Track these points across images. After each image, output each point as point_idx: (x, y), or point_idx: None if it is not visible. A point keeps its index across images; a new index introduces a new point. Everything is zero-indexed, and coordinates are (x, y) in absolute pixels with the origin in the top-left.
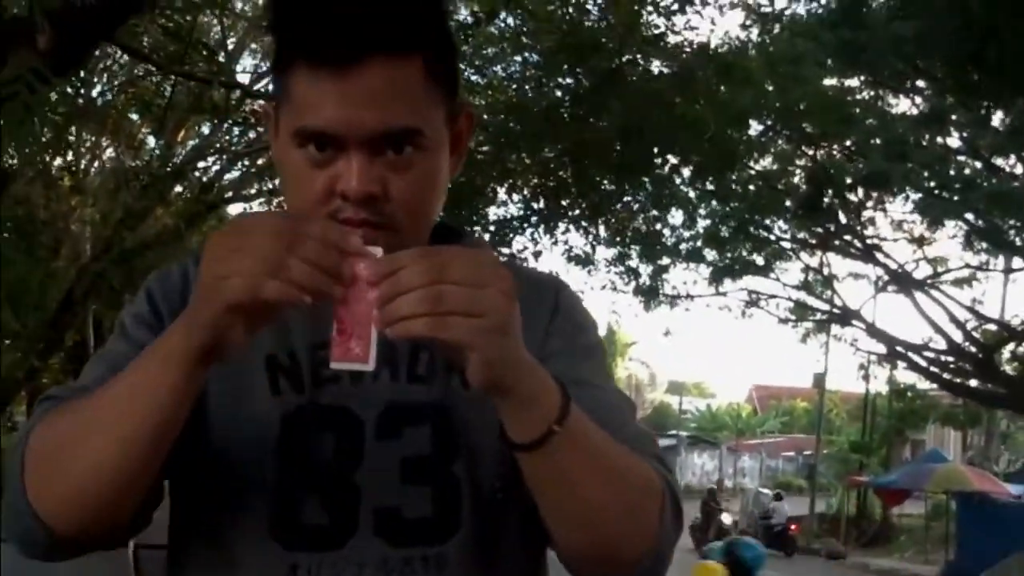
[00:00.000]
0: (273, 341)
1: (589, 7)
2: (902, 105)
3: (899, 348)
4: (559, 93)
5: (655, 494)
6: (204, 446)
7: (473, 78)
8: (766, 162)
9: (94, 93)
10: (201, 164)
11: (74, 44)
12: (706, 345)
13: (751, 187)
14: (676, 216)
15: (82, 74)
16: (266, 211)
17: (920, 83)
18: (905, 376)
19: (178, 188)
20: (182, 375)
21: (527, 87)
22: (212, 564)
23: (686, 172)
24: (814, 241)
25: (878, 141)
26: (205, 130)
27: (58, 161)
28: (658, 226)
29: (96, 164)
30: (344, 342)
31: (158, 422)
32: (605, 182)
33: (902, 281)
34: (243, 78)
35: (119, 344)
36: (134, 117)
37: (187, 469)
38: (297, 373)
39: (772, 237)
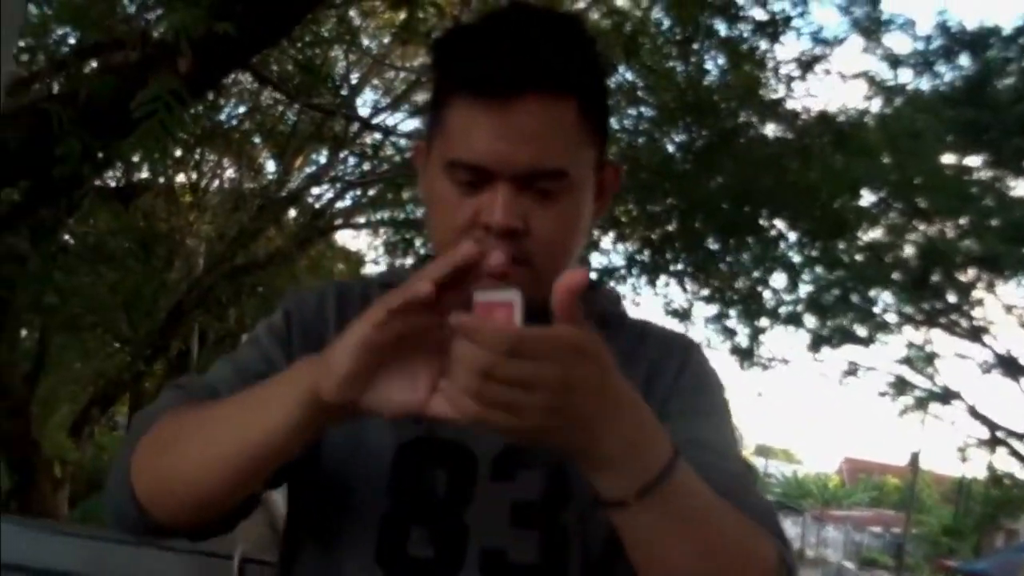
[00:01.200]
0: None
1: (709, 67)
2: (1021, 188)
3: (1000, 434)
4: (672, 149)
5: (763, 564)
6: (321, 468)
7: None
8: (876, 233)
9: (222, 116)
10: (315, 190)
11: (212, 69)
12: (797, 411)
13: (858, 257)
14: (779, 279)
15: (215, 98)
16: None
17: None
18: (1005, 463)
19: (292, 212)
20: (304, 417)
21: (640, 140)
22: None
23: (792, 236)
24: (919, 317)
25: (994, 222)
26: (322, 158)
27: (181, 178)
28: (759, 288)
29: (216, 183)
30: None
31: (268, 453)
32: (711, 240)
33: (1009, 366)
34: (363, 111)
35: (250, 351)
36: (256, 141)
37: (303, 488)
38: None
39: (876, 309)
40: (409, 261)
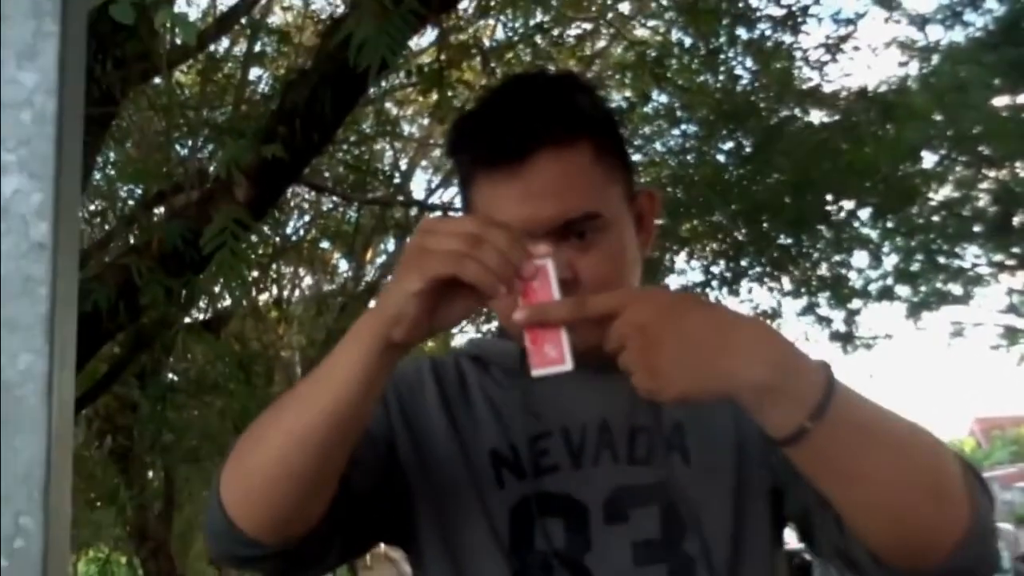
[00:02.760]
0: (495, 436)
1: (739, 72)
2: None
3: None
4: (721, 158)
5: (955, 471)
6: (444, 533)
7: (636, 157)
8: (947, 191)
9: (288, 230)
10: (389, 278)
11: (268, 191)
12: (916, 383)
13: (935, 218)
14: (860, 258)
15: (277, 215)
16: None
17: None
18: None
19: (371, 304)
20: (367, 353)
21: (688, 157)
22: None
23: (864, 214)
24: (1012, 263)
25: None
26: (390, 247)
27: (264, 296)
28: (843, 271)
29: (297, 293)
30: (539, 351)
31: (338, 406)
32: (782, 236)
33: None
34: (418, 194)
35: None
36: (325, 245)
37: (429, 556)
38: (519, 464)
39: (967, 264)
40: (492, 325)
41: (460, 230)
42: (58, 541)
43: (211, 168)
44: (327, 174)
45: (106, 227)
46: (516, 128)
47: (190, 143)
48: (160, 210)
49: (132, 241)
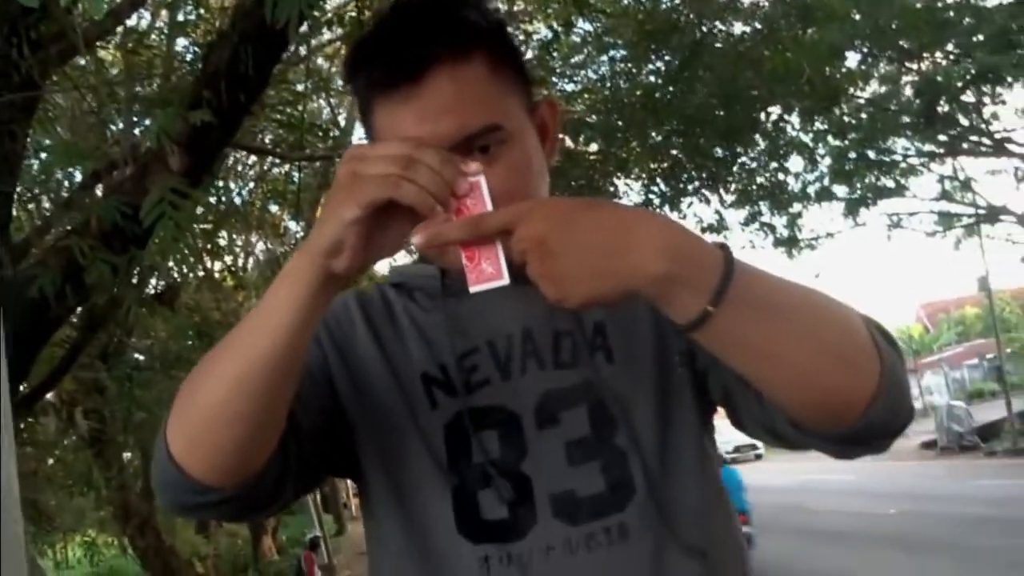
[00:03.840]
0: (425, 359)
1: None
2: None
3: None
4: (652, 79)
5: (861, 332)
6: (385, 460)
7: (568, 87)
8: (873, 87)
9: (234, 196)
10: (319, 212)
11: (202, 157)
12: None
13: (863, 115)
14: (796, 162)
15: (219, 182)
16: None
17: None
18: None
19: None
20: (306, 287)
21: (620, 81)
22: (414, 555)
23: (794, 119)
24: (941, 150)
25: (980, 37)
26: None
27: (217, 265)
28: (780, 176)
29: (251, 259)
30: (476, 267)
31: (278, 344)
32: (717, 149)
33: None
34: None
35: None
36: (273, 208)
37: (369, 486)
38: (449, 383)
39: (898, 157)
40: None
41: (392, 153)
42: (9, 533)
43: (146, 143)
44: (267, 137)
45: (44, 213)
46: (408, 49)
47: (122, 120)
48: (98, 190)
49: (72, 224)
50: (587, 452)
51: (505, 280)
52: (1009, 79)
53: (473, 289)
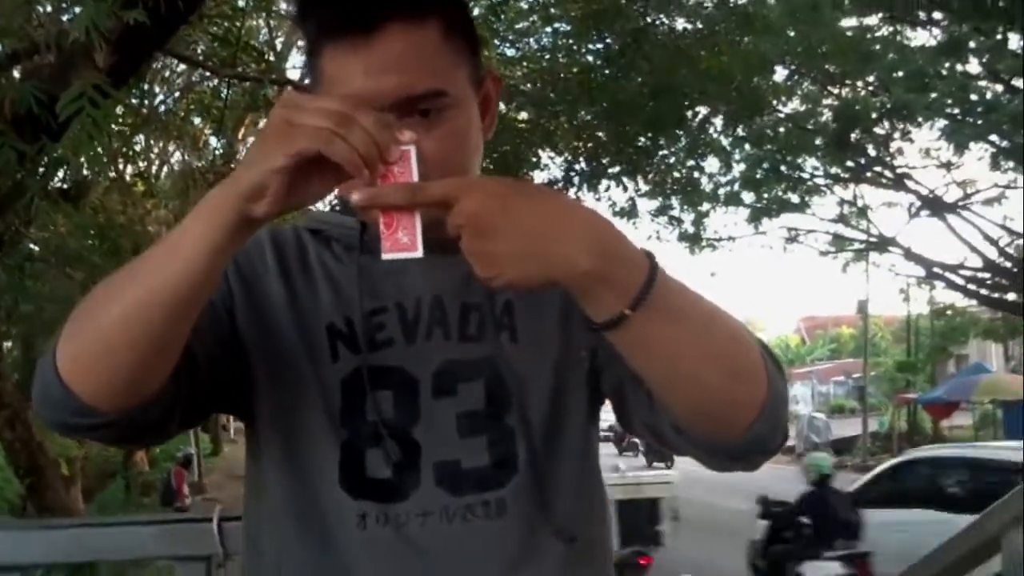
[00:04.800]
0: (332, 310)
1: None
2: (920, 37)
3: (936, 269)
4: (591, 58)
5: (755, 355)
6: (278, 404)
7: (508, 52)
8: (794, 104)
9: (156, 102)
10: (243, 152)
11: (130, 58)
12: (752, 284)
13: (781, 129)
14: (712, 164)
15: (145, 86)
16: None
17: (936, 15)
18: (944, 295)
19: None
20: (220, 226)
21: (559, 55)
22: (293, 502)
23: (718, 121)
24: (846, 175)
25: (900, 74)
26: (262, 124)
27: (130, 169)
28: (696, 174)
29: (165, 168)
30: (392, 235)
31: (185, 278)
32: (641, 138)
33: (934, 205)
34: (292, 74)
35: None
36: (196, 121)
37: (260, 426)
38: (354, 338)
39: (806, 175)
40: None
41: (329, 107)
42: None
43: (74, 33)
44: (199, 48)
45: None
46: (365, 0)
47: (51, 3)
48: (16, 73)
49: None
50: (477, 426)
51: (419, 252)
52: (920, 119)
53: (385, 256)
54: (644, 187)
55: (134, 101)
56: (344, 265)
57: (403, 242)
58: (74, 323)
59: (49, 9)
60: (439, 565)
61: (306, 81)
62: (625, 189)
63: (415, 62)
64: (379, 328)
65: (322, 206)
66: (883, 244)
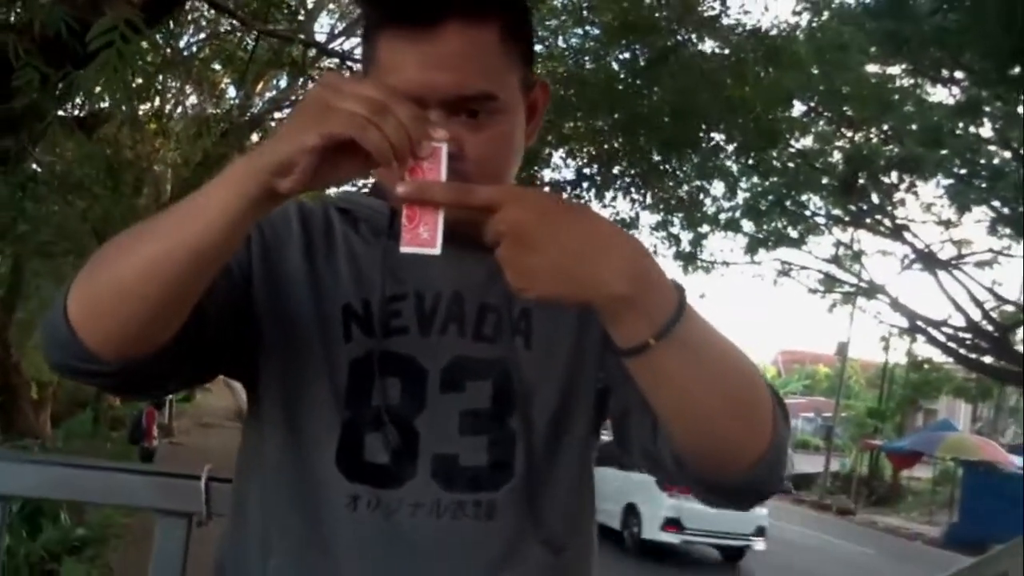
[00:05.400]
0: (351, 291)
1: None
2: (939, 94)
3: (920, 323)
4: (616, 67)
5: (766, 401)
6: (285, 376)
7: (536, 48)
8: (807, 141)
9: (181, 44)
10: (277, 115)
11: None
12: (737, 310)
13: (791, 164)
14: (717, 187)
15: (172, 26)
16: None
17: (958, 74)
18: (923, 349)
19: (254, 136)
20: (244, 196)
21: (586, 59)
22: (288, 476)
23: (730, 147)
24: (847, 218)
25: (914, 127)
26: (283, 83)
27: (145, 106)
28: (700, 195)
29: (180, 110)
30: (413, 229)
31: (202, 242)
32: (653, 153)
33: (927, 260)
34: (320, 36)
35: None
36: (217, 68)
37: (264, 395)
38: (369, 322)
39: (807, 212)
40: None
41: (367, 94)
42: None
43: None
44: None
45: None
46: None
47: None
48: None
49: (12, 19)
50: (480, 425)
51: (437, 250)
52: (927, 174)
53: (404, 250)
54: (648, 201)
55: (159, 39)
56: (369, 247)
57: (423, 237)
58: (89, 270)
59: None
60: (422, 558)
61: (331, 45)
62: (633, 202)
63: (470, 62)
64: (395, 315)
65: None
66: (872, 291)
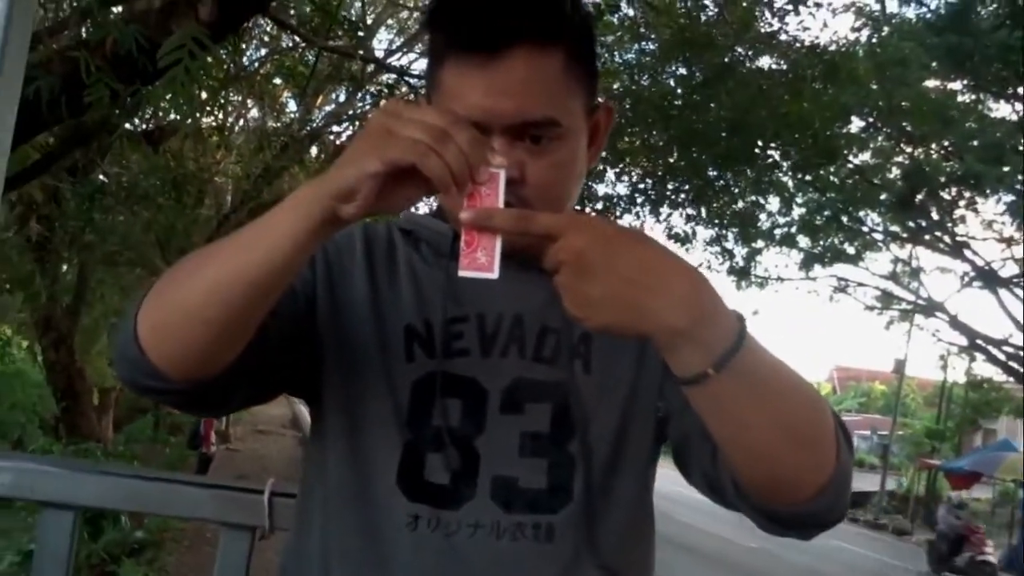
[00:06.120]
0: (413, 312)
1: (707, 2)
2: (1002, 110)
3: (979, 341)
4: (672, 83)
5: (829, 428)
6: (345, 397)
7: None
8: (865, 157)
9: (244, 60)
10: (335, 129)
11: (232, 16)
12: (791, 326)
13: (848, 180)
14: (773, 202)
15: (236, 42)
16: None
17: (1021, 90)
18: (983, 368)
19: (313, 150)
20: (308, 220)
21: (642, 75)
22: (350, 494)
23: (786, 164)
24: (905, 235)
25: (975, 143)
26: (341, 98)
27: (208, 120)
28: (755, 211)
29: (241, 123)
30: (471, 253)
31: (267, 266)
32: (709, 169)
33: (988, 278)
34: (378, 52)
35: None
36: (278, 82)
37: (327, 414)
38: (431, 342)
39: (864, 228)
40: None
41: (428, 121)
42: None
43: None
44: (293, 12)
45: (61, 15)
46: (495, 19)
47: None
48: (118, 10)
49: (85, 35)
50: (539, 448)
51: (494, 274)
52: (988, 191)
53: (462, 273)
54: (703, 215)
55: (223, 55)
56: (431, 269)
57: (480, 262)
58: (157, 290)
59: None
60: None
61: (390, 61)
62: (689, 218)
63: (535, 88)
64: (457, 336)
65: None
66: (930, 308)
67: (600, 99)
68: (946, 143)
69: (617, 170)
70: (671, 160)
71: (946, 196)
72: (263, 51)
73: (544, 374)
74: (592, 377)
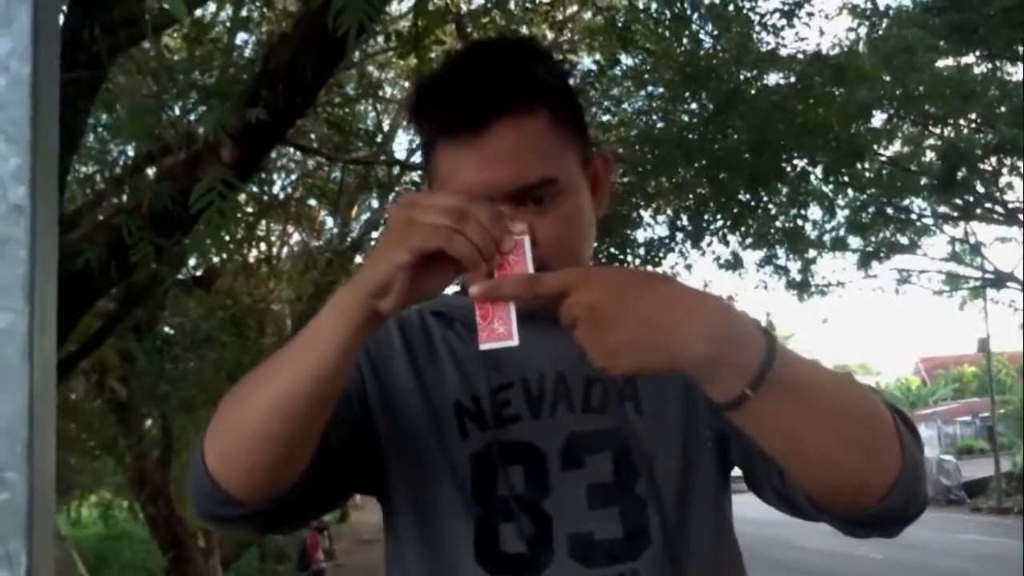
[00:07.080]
0: (459, 389)
1: (702, 37)
2: (1020, 73)
3: None
4: (686, 118)
5: (886, 423)
6: (411, 484)
7: (604, 118)
8: (896, 147)
9: (276, 188)
10: (374, 234)
11: (253, 152)
12: (866, 327)
13: (884, 172)
14: (815, 211)
15: (263, 175)
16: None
17: None
18: None
19: (358, 259)
20: (350, 322)
21: (655, 117)
22: None
23: (818, 170)
24: (955, 214)
25: (1002, 110)
26: (374, 204)
27: (254, 253)
28: (799, 222)
29: (285, 249)
30: (488, 325)
31: (319, 374)
32: (741, 192)
33: None
34: (400, 154)
35: None
36: (312, 203)
37: (396, 507)
38: (481, 415)
39: (914, 216)
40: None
41: (446, 204)
42: (42, 494)
43: (199, 130)
44: (312, 135)
45: (97, 189)
46: (476, 98)
47: (179, 105)
48: (150, 171)
49: (123, 201)
50: (608, 497)
51: (514, 341)
52: None
53: (483, 347)
54: (748, 239)
55: (255, 189)
56: (467, 344)
57: (499, 332)
58: (218, 419)
59: (177, 112)
60: None
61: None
62: (728, 244)
63: (526, 153)
64: (505, 404)
65: None
66: (1000, 280)
67: (595, 149)
68: (973, 116)
69: (651, 212)
70: (702, 192)
71: (987, 167)
72: (292, 176)
73: (597, 423)
74: (645, 416)
